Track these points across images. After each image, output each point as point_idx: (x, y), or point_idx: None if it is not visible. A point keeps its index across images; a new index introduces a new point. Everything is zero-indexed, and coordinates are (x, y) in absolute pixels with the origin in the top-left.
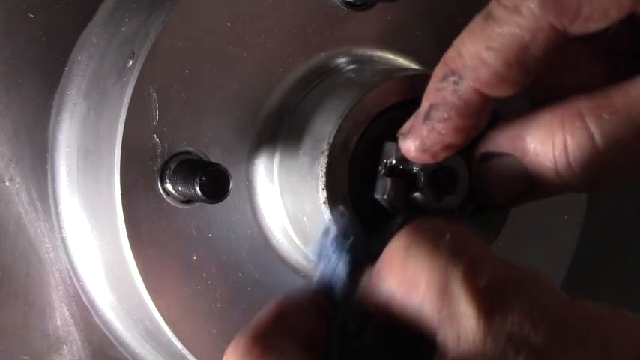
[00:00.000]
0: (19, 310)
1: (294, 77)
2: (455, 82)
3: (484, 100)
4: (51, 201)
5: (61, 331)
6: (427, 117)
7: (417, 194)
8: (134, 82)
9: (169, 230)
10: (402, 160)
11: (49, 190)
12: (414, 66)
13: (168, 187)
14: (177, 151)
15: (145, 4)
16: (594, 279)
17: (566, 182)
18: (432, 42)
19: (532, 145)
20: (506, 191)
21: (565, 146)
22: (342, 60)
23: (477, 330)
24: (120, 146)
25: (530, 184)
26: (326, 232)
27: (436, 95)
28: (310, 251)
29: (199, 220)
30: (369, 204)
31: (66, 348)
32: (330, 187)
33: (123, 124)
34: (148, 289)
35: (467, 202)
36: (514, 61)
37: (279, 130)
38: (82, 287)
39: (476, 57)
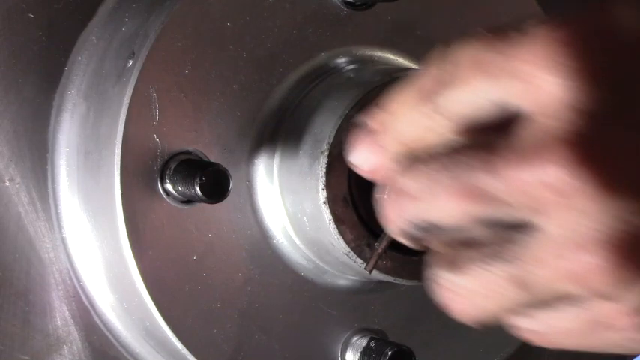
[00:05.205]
0: (19, 310)
1: (294, 77)
2: None
3: None
4: (51, 201)
5: (61, 331)
6: None
7: None
8: (134, 82)
9: (169, 230)
10: None
11: (49, 190)
12: (414, 66)
13: (168, 187)
14: (177, 151)
15: (145, 4)
16: None
17: None
18: (432, 42)
19: None
20: None
21: None
22: (342, 60)
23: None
24: (120, 146)
25: None
26: None
27: None
28: None
29: (199, 220)
30: (369, 204)
31: (66, 348)
32: (330, 187)
33: (123, 124)
34: (148, 289)
35: None
36: None
37: (279, 130)
38: (82, 287)
39: None
